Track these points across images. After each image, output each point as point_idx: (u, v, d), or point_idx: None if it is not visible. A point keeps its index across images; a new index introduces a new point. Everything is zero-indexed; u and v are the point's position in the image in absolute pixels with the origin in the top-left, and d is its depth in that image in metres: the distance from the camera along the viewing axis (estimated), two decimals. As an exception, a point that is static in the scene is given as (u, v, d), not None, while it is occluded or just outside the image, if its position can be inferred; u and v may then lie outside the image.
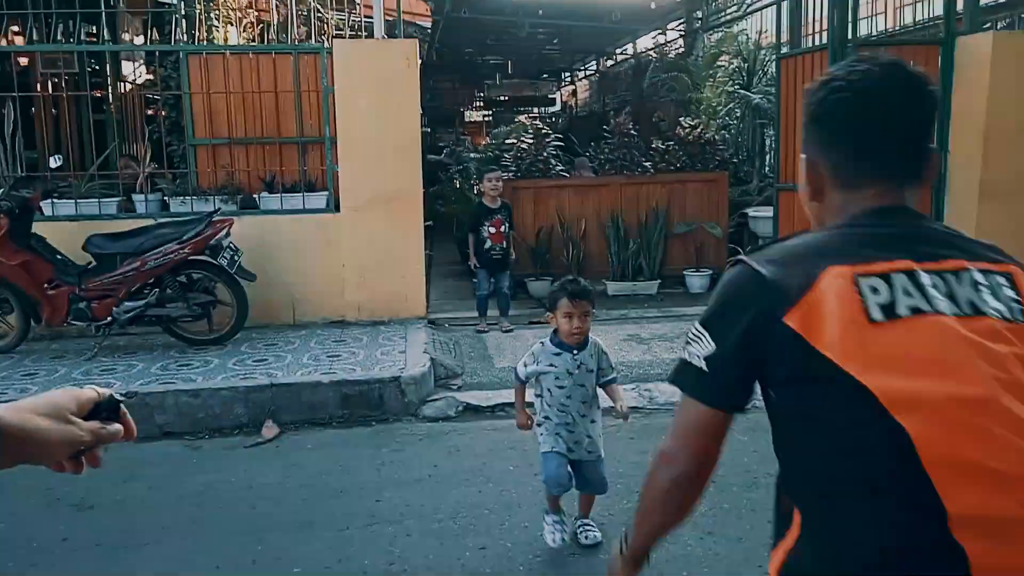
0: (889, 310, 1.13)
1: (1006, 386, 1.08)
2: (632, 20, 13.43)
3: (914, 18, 7.97)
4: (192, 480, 4.06)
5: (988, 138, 6.71)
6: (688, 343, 1.28)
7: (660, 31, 15.12)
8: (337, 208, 6.72)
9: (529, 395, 3.38)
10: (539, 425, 3.27)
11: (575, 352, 3.19)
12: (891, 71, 1.27)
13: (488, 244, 6.76)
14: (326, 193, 6.79)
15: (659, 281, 8.38)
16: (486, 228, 6.76)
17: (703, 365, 1.24)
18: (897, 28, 9.33)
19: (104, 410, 1.07)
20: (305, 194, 6.73)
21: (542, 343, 3.26)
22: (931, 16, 7.50)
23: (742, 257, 1.26)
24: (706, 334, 1.24)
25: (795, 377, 1.16)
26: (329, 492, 3.85)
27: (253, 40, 8.03)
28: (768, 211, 8.44)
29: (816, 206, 1.36)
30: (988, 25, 7.21)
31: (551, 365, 3.19)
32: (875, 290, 1.14)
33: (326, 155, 6.82)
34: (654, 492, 1.34)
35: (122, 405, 1.10)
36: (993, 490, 1.05)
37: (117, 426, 1.08)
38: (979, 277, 1.18)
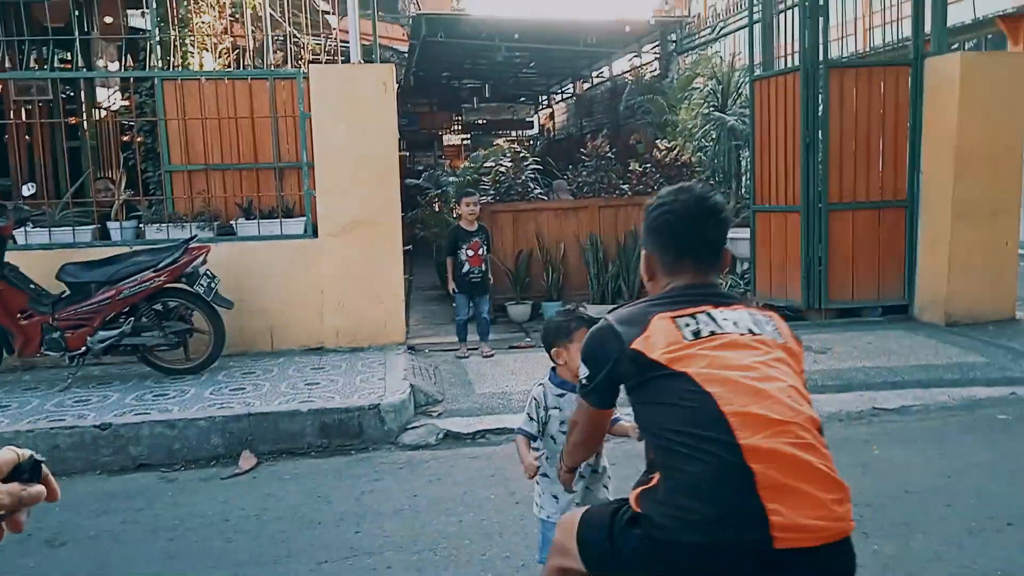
0: (696, 334, 1.83)
1: (773, 368, 1.78)
2: (607, 43, 13.55)
3: (883, 39, 8.10)
4: (167, 513, 3.98)
5: (959, 158, 6.81)
6: (580, 368, 2.05)
7: (635, 54, 15.26)
8: (315, 234, 6.69)
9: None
10: (537, 484, 2.84)
11: None
12: (702, 201, 1.99)
13: (466, 268, 6.75)
14: (304, 219, 6.76)
15: (638, 303, 8.39)
16: (464, 251, 6.75)
17: (586, 382, 2.01)
18: (868, 49, 9.46)
19: (25, 471, 1.04)
20: (283, 220, 6.69)
21: (541, 384, 2.83)
22: (900, 38, 7.62)
23: (606, 317, 1.98)
24: (584, 366, 2.02)
25: (643, 379, 1.83)
26: (307, 524, 3.79)
27: (229, 65, 8.02)
28: (745, 232, 8.49)
29: (651, 284, 2.09)
30: (956, 46, 7.33)
31: (555, 408, 2.77)
32: (687, 324, 1.85)
33: (303, 180, 6.79)
34: (571, 443, 2.36)
35: (43, 466, 1.06)
36: (768, 431, 1.66)
37: (39, 487, 1.04)
38: (755, 315, 1.92)
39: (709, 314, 1.87)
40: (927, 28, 7.22)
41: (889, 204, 7.33)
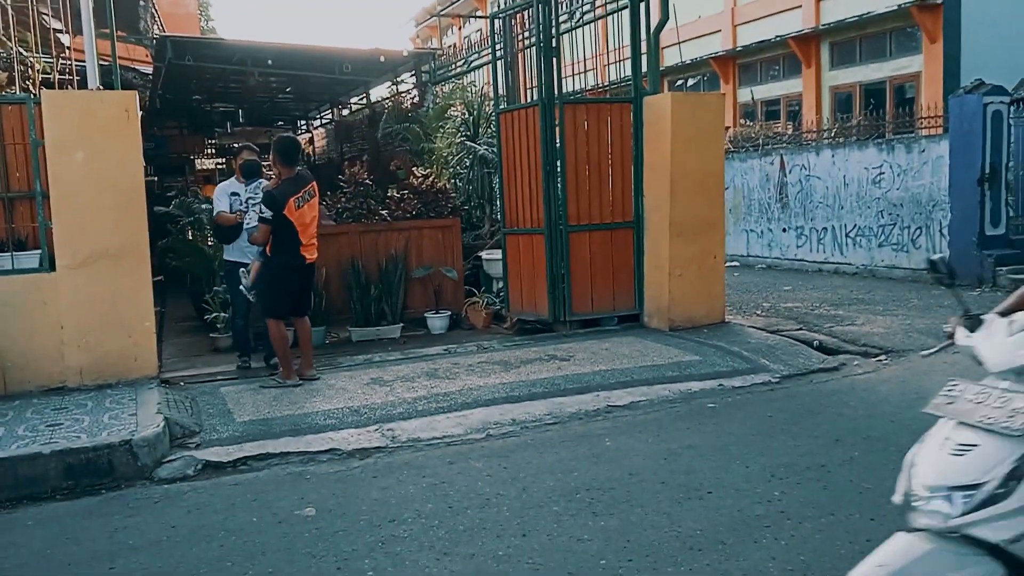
0: (300, 204, 6.19)
1: (313, 211, 6.42)
2: (363, 72, 13.78)
3: (619, 75, 8.98)
4: None
5: (673, 184, 7.77)
6: (264, 209, 6.21)
7: (393, 82, 15.62)
8: (53, 266, 6.30)
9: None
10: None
11: None
12: (289, 139, 7.07)
13: None
14: (39, 251, 6.35)
15: (402, 324, 8.67)
16: None
17: (269, 216, 6.12)
18: (607, 83, 10.42)
19: None
20: (14, 253, 6.25)
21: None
22: (623, 76, 8.56)
23: (275, 192, 6.22)
24: (266, 209, 6.15)
25: (281, 217, 6.12)
26: (56, 566, 3.65)
27: (-57, 87, 7.33)
28: (499, 253, 9.07)
29: (283, 170, 6.38)
30: (680, 82, 8.34)
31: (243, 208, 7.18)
32: (297, 201, 6.17)
33: (38, 211, 6.38)
34: (259, 237, 6.40)
35: None
36: (306, 235, 6.32)
37: None
38: (309, 189, 6.31)
39: (301, 196, 6.16)
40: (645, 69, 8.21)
41: (620, 225, 8.19)
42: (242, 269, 6.78)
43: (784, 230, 13.66)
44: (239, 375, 6.88)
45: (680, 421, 5.46)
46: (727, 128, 14.04)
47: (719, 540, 3.59)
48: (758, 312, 9.14)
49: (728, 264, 9.50)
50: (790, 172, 13.46)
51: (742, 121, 19.14)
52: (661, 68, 8.77)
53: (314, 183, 6.46)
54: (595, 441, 5.07)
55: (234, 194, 7.18)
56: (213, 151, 21.82)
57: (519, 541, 3.67)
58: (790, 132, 15.51)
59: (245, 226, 6.94)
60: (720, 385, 6.23)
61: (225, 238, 7.26)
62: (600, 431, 5.29)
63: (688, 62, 20.53)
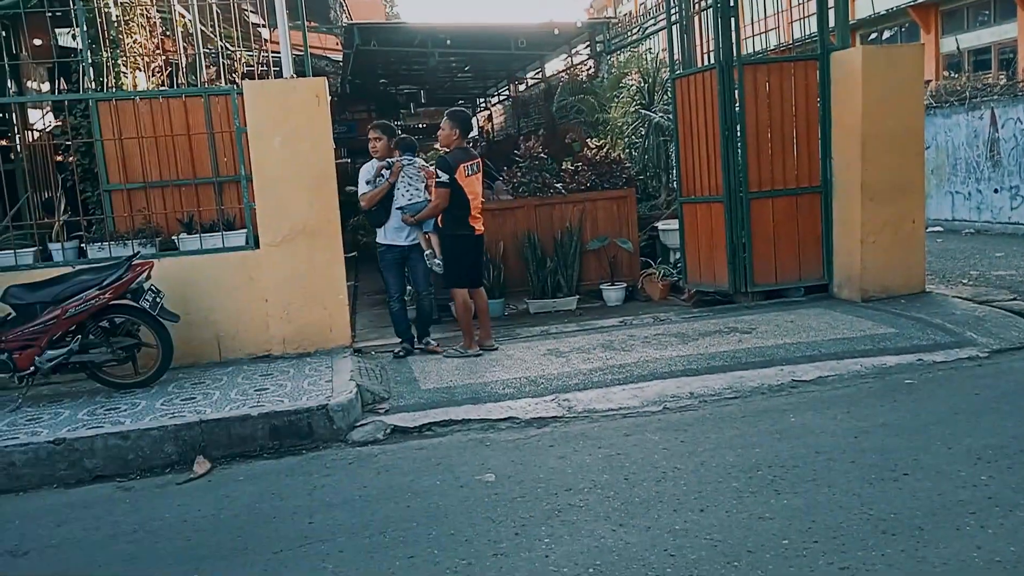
0: (468, 172, 6.48)
1: (478, 184, 6.66)
2: (538, 46, 13.88)
3: (803, 33, 8.50)
4: (126, 519, 4.14)
5: (866, 143, 7.26)
6: (440, 173, 6.42)
7: (568, 55, 15.61)
8: (257, 244, 6.85)
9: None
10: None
11: None
12: (467, 113, 7.24)
13: None
14: (245, 231, 6.91)
15: (577, 297, 8.71)
16: None
17: (446, 179, 6.35)
18: (791, 42, 9.88)
19: None
20: (224, 233, 6.83)
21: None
22: (808, 33, 8.05)
23: (446, 156, 6.59)
24: (443, 173, 6.37)
25: (455, 183, 6.46)
26: (263, 519, 3.99)
27: (163, 83, 8.11)
28: (675, 223, 8.87)
29: (454, 141, 6.58)
30: (873, 36, 7.72)
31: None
32: (466, 169, 6.44)
33: (243, 193, 6.94)
34: (431, 208, 6.70)
35: None
36: (475, 203, 6.56)
37: None
38: (476, 162, 6.65)
39: (470, 165, 6.46)
40: (832, 24, 7.68)
41: (805, 190, 7.76)
42: (427, 252, 6.74)
43: (996, 191, 12.42)
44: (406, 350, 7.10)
45: (873, 398, 5.13)
46: (927, 82, 12.92)
47: (915, 525, 3.35)
48: (964, 281, 8.39)
49: (930, 229, 8.77)
50: (1003, 127, 12.19)
51: (945, 73, 17.49)
52: (851, 21, 8.15)
53: (480, 160, 6.74)
54: (778, 417, 4.87)
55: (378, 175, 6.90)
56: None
57: (696, 516, 3.60)
58: (1002, 83, 14.01)
59: (395, 207, 6.75)
60: (919, 360, 5.78)
61: (376, 220, 6.97)
62: (784, 407, 5.07)
63: (882, 13, 19.00)
